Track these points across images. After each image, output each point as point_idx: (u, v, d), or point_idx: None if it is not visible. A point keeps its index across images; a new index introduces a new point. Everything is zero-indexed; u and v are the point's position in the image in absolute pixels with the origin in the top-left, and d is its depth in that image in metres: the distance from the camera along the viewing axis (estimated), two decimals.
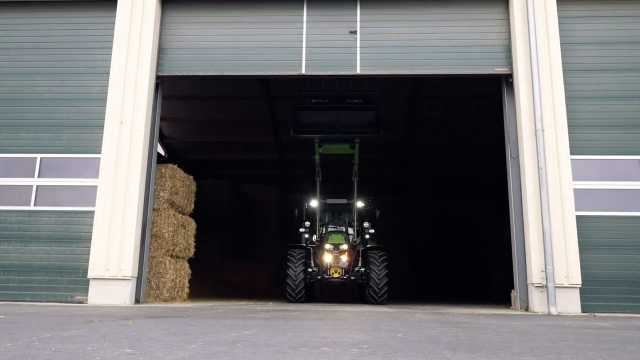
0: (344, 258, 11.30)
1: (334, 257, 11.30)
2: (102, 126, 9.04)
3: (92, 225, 8.72)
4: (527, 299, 8.33)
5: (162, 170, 10.05)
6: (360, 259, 11.66)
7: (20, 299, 8.64)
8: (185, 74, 9.57)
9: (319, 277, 11.28)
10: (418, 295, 19.25)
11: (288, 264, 11.02)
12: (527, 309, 8.29)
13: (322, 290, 13.60)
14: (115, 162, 8.85)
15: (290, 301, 10.89)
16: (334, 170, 16.90)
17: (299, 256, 11.14)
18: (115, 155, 8.88)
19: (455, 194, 22.31)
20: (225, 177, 20.66)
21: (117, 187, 8.76)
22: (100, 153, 8.96)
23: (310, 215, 13.12)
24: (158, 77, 9.50)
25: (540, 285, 8.03)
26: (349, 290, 13.66)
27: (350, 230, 12.78)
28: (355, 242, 12.07)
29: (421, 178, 22.11)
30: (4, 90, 9.49)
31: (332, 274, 11.20)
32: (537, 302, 8.07)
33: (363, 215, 13.10)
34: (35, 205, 9.00)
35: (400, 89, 16.52)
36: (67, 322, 5.06)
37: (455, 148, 19.83)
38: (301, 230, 12.33)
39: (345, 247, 11.33)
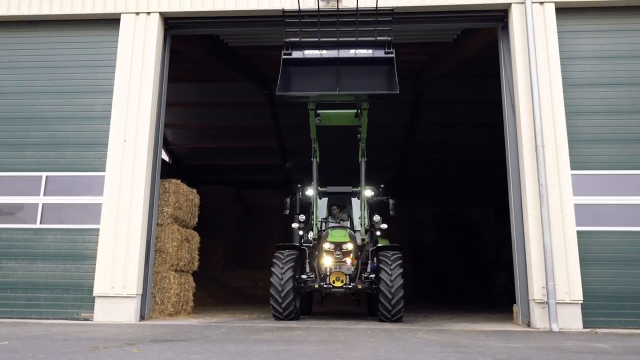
0: (349, 261, 8.95)
1: (335, 260, 8.92)
2: (106, 144, 9.15)
3: (97, 242, 8.84)
4: (528, 314, 8.37)
5: (166, 186, 10.16)
6: (369, 262, 9.61)
7: (27, 317, 8.76)
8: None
9: (316, 286, 9.06)
10: (420, 298, 19.33)
11: (272, 269, 8.82)
12: (528, 325, 8.34)
13: (323, 301, 11.30)
14: (119, 180, 8.96)
15: (276, 317, 8.85)
16: (337, 150, 15.80)
17: (287, 259, 8.87)
18: (119, 173, 8.98)
19: (458, 196, 22.39)
20: (229, 183, 20.81)
21: (122, 204, 8.87)
22: (104, 171, 9.07)
23: (307, 207, 10.77)
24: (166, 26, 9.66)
25: (542, 301, 8.07)
26: (356, 301, 11.44)
27: (358, 226, 10.24)
28: (363, 240, 9.63)
29: (423, 180, 22.19)
30: (10, 109, 9.62)
31: (333, 281, 8.85)
32: (538, 318, 8.12)
33: (373, 207, 10.94)
34: (41, 223, 9.13)
35: (402, 93, 16.60)
36: (72, 349, 5.15)
37: (457, 150, 19.91)
38: (294, 226, 10.27)
39: (349, 246, 8.95)
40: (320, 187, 10.67)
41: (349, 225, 10.34)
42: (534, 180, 8.48)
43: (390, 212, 10.59)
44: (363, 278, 9.26)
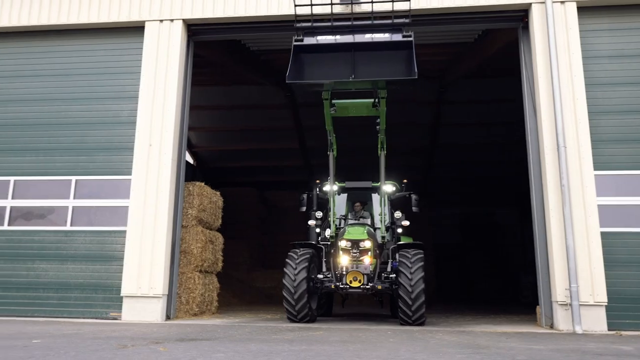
0: (367, 260, 8.49)
1: (351, 259, 8.49)
2: (133, 149, 9.43)
3: (124, 244, 9.11)
4: (551, 316, 8.32)
5: (190, 188, 10.38)
6: (390, 261, 9.18)
7: (59, 315, 9.08)
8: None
9: (332, 286, 8.63)
10: (444, 299, 19.26)
11: (285, 269, 8.48)
12: (552, 327, 8.29)
13: (344, 302, 11.10)
14: (145, 183, 9.22)
15: (290, 320, 8.54)
16: (356, 144, 15.60)
17: (300, 258, 8.49)
18: (144, 176, 9.24)
19: (483, 197, 22.24)
20: (252, 184, 21.06)
21: (147, 207, 9.12)
22: (131, 175, 9.34)
23: (325, 204, 10.33)
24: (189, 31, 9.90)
25: (565, 303, 8.02)
26: (379, 302, 11.10)
27: (378, 224, 9.85)
28: (383, 238, 9.33)
29: (447, 181, 22.10)
30: (41, 116, 9.98)
31: (350, 282, 8.36)
32: (561, 320, 8.06)
33: (394, 204, 10.46)
34: (71, 225, 9.44)
35: (426, 94, 16.61)
36: (102, 347, 5.35)
37: (481, 151, 19.79)
38: (310, 223, 9.82)
39: (367, 244, 8.51)
40: (339, 183, 10.29)
41: (369, 223, 9.85)
42: (556, 181, 8.42)
43: (413, 208, 10.03)
44: (383, 278, 8.77)
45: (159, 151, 9.30)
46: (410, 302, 7.97)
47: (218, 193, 11.44)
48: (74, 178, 9.61)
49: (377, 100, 8.21)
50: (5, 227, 9.62)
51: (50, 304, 9.15)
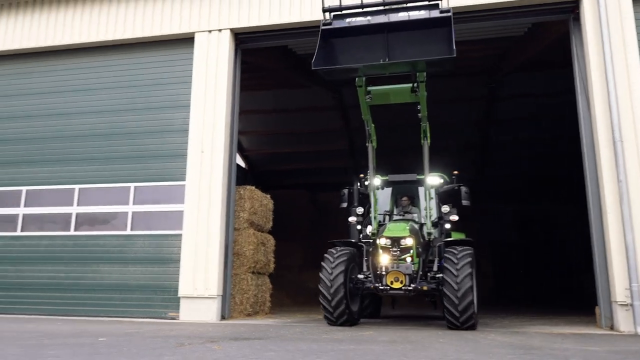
0: (408, 259, 7.87)
1: (392, 258, 7.86)
2: (186, 155, 9.84)
3: (180, 247, 9.51)
4: (611, 317, 8.02)
5: (241, 192, 10.69)
6: (436, 259, 8.61)
7: (122, 315, 9.59)
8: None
9: (372, 287, 8.08)
10: (502, 300, 18.80)
11: (321, 274, 8.03)
12: (612, 328, 7.99)
13: (394, 303, 10.67)
14: (198, 188, 9.59)
15: (329, 322, 8.13)
16: (399, 134, 15.13)
17: (338, 256, 8.07)
18: (197, 181, 9.62)
19: (538, 194, 21.56)
20: (303, 186, 21.31)
21: (201, 211, 9.49)
22: (185, 180, 9.75)
23: (368, 199, 9.58)
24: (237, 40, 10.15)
25: (625, 303, 7.71)
26: (432, 303, 10.43)
27: (424, 219, 9.10)
28: (429, 235, 8.63)
29: (500, 179, 21.57)
30: (103, 127, 10.57)
31: (390, 282, 7.78)
32: (622, 321, 7.75)
33: (442, 197, 9.75)
34: (131, 229, 9.96)
35: (475, 91, 16.33)
36: (161, 345, 5.65)
37: (533, 146, 19.20)
38: (350, 220, 9.25)
39: (408, 242, 7.87)
40: (381, 176, 9.75)
41: (416, 218, 9.26)
42: (613, 176, 8.10)
43: (463, 201, 9.21)
44: (429, 278, 8.13)
45: (210, 157, 9.65)
46: (456, 301, 7.33)
47: (268, 196, 11.71)
48: (132, 185, 10.13)
49: (416, 84, 7.53)
50: (72, 232, 10.26)
51: (113, 305, 9.68)
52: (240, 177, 18.05)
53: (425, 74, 7.08)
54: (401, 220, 8.84)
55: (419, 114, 8.29)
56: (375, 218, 8.69)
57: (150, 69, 10.61)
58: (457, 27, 10.02)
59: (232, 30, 10.13)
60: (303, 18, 9.77)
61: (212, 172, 9.59)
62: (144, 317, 9.49)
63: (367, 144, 8.64)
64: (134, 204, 10.04)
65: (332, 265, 7.93)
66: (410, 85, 7.71)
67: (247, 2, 10.05)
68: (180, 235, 9.60)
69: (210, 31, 10.17)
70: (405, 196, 9.58)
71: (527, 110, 17.19)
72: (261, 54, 12.44)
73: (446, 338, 6.58)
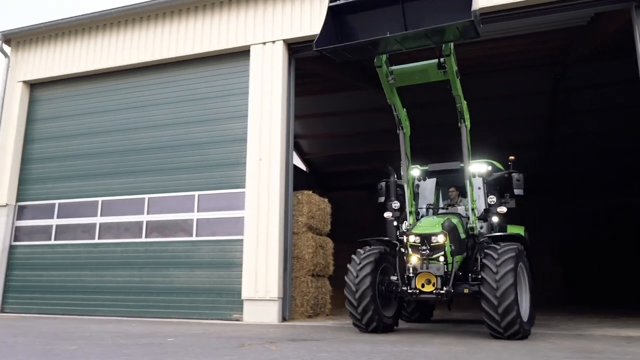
0: (441, 258, 6.86)
1: (421, 258, 6.93)
2: (245, 163, 10.27)
3: (242, 251, 9.94)
4: None
5: (299, 197, 11.00)
6: (479, 257, 7.35)
7: (190, 317, 10.15)
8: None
9: (400, 291, 7.25)
10: (574, 300, 18.04)
11: (346, 278, 7.43)
12: None
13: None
14: (257, 194, 9.99)
15: (359, 328, 7.49)
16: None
17: (365, 257, 7.42)
18: (256, 188, 10.02)
19: (611, 188, 20.48)
20: (363, 187, 21.41)
21: (260, 217, 9.88)
22: (244, 187, 10.18)
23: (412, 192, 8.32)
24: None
25: None
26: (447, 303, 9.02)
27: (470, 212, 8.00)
28: (472, 230, 7.67)
29: (569, 173, 20.69)
30: (167, 139, 11.24)
31: (420, 285, 6.87)
32: None
33: (492, 186, 8.62)
34: (196, 235, 10.52)
35: (539, 84, 15.82)
36: (223, 346, 6.00)
37: (605, 139, 18.28)
38: (386, 215, 8.34)
39: (440, 239, 6.86)
40: (421, 166, 8.95)
41: (464, 212, 8.21)
42: None
43: (515, 190, 8.17)
44: (472, 278, 7.14)
45: (268, 164, 10.03)
46: (495, 302, 6.37)
47: (326, 200, 11.94)
48: (196, 193, 10.70)
49: (442, 60, 6.69)
50: (144, 239, 10.98)
51: (182, 307, 10.26)
52: (301, 181, 18.48)
53: (451, 46, 6.31)
54: (444, 214, 8.04)
55: (453, 93, 7.18)
56: (412, 213, 7.89)
57: (211, 82, 11.16)
58: (519, 21, 9.98)
59: (284, 41, 10.47)
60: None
61: (269, 178, 9.96)
62: (210, 319, 10.00)
63: (397, 132, 7.80)
64: (198, 211, 10.60)
65: (358, 268, 7.31)
66: (436, 60, 6.81)
67: (299, 14, 10.37)
68: (241, 240, 10.03)
69: (264, 43, 10.57)
70: (452, 187, 8.63)
71: (594, 101, 16.44)
72: (316, 60, 12.72)
73: (504, 341, 6.51)
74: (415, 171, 8.77)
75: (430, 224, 7.17)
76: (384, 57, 6.73)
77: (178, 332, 7.71)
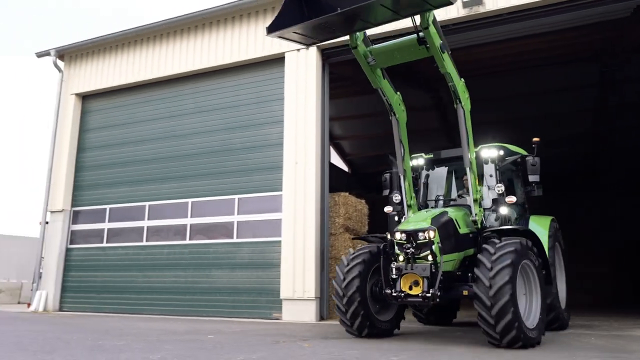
0: (432, 257, 6.07)
1: (405, 257, 6.20)
2: (282, 167, 10.59)
3: (280, 253, 10.27)
4: None
5: (336, 199, 11.21)
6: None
7: (232, 316, 10.56)
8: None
9: (384, 293, 6.44)
10: (624, 302, 17.42)
11: (336, 275, 6.90)
12: None
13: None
14: (294, 197, 10.29)
15: (348, 331, 6.91)
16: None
17: (353, 257, 6.83)
18: (293, 191, 10.32)
19: None
20: None
21: (297, 219, 10.18)
22: (282, 190, 10.51)
23: (413, 182, 7.47)
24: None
25: None
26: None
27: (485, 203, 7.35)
28: (474, 223, 6.80)
29: (620, 170, 19.96)
30: (211, 145, 11.74)
31: (408, 288, 6.12)
32: None
33: (504, 174, 7.90)
34: (237, 237, 10.93)
35: (585, 78, 15.41)
36: (259, 342, 6.30)
37: None
38: (386, 210, 7.65)
39: (430, 235, 6.09)
40: (426, 154, 8.23)
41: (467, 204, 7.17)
42: None
43: (530, 176, 7.29)
44: (471, 279, 6.18)
45: (304, 167, 10.32)
46: (488, 303, 5.54)
47: (363, 201, 12.11)
48: (237, 197, 11.12)
49: (421, 35, 6.00)
50: (188, 241, 11.50)
51: (224, 306, 10.70)
52: (342, 181, 18.68)
53: (428, 17, 5.74)
54: (453, 206, 7.34)
55: (441, 71, 6.36)
56: (411, 206, 7.21)
57: (250, 89, 11.57)
58: (559, 17, 9.88)
59: (318, 47, 10.72)
60: (390, 27, 10.06)
61: (305, 181, 10.25)
62: (251, 318, 10.37)
63: (390, 118, 7.14)
64: (238, 214, 11.01)
65: (345, 270, 6.76)
66: (415, 36, 6.11)
67: None
68: (279, 241, 10.36)
69: (298, 50, 10.85)
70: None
71: None
72: (349, 63, 12.89)
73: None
74: (420, 160, 8.13)
75: (420, 219, 6.42)
76: (359, 36, 6.24)
77: (218, 330, 8.09)
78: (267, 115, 11.15)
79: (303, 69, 10.74)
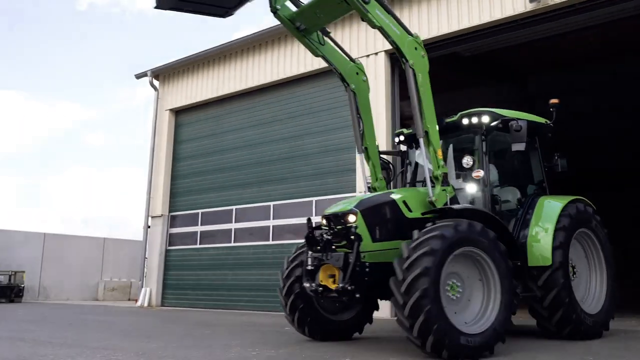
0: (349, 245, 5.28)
1: (323, 245, 5.44)
2: (354, 170, 11.03)
3: None
4: None
5: None
6: None
7: (263, 310, 11.36)
8: None
9: (302, 286, 5.68)
10: None
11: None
12: None
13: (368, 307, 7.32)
14: None
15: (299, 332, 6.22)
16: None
17: (300, 246, 6.14)
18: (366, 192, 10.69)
19: None
20: None
21: None
22: (355, 192, 10.93)
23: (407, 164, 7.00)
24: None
25: None
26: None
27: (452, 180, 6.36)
28: (430, 203, 5.60)
29: None
30: (286, 151, 12.48)
31: (326, 280, 5.33)
32: None
33: (491, 145, 6.38)
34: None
35: (627, 66, 14.32)
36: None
37: None
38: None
39: (349, 220, 5.36)
40: (406, 130, 7.26)
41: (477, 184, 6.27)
42: None
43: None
44: None
45: None
46: (401, 300, 4.57)
47: None
48: (313, 199, 11.74)
49: None
50: (270, 242, 12.41)
51: (271, 302, 11.53)
52: None
53: None
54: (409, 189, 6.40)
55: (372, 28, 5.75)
56: (377, 189, 6.56)
57: (321, 96, 12.15)
58: (573, 18, 9.48)
59: (386, 52, 11.05)
60: (440, 31, 10.23)
61: None
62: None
63: (345, 90, 6.78)
64: (315, 215, 11.60)
65: (289, 259, 6.09)
66: None
67: None
68: None
69: (368, 55, 11.26)
70: (465, 151, 6.52)
71: None
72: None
73: (541, 343, 5.94)
74: (401, 137, 7.17)
75: (348, 202, 5.70)
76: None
77: (252, 322, 8.69)
78: (340, 121, 11.64)
79: (372, 73, 11.05)
